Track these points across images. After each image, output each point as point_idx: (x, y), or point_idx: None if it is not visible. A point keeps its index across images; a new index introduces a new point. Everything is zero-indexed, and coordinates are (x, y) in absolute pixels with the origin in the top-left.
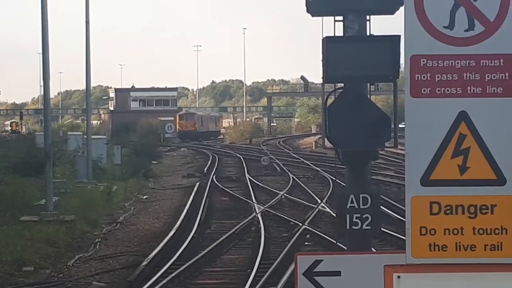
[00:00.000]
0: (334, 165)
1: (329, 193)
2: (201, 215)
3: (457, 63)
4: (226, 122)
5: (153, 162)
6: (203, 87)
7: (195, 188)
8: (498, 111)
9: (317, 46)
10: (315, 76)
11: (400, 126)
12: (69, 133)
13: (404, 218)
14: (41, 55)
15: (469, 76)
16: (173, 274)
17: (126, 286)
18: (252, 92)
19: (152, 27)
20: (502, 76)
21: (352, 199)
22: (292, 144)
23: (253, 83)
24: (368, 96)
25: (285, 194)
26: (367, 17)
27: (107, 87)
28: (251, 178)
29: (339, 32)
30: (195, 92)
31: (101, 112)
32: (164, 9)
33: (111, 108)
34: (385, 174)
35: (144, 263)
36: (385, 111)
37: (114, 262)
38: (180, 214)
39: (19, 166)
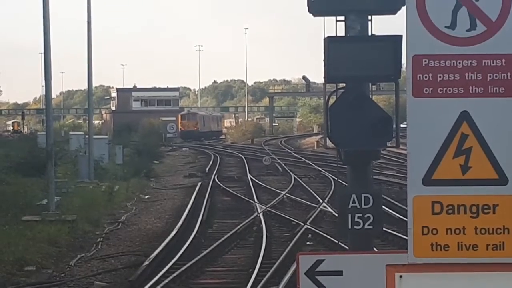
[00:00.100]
0: (336, 165)
1: (330, 193)
2: (202, 214)
3: (459, 63)
4: (228, 122)
5: (155, 162)
6: (205, 87)
7: (197, 188)
8: (500, 111)
9: (319, 46)
10: (317, 76)
11: (402, 126)
12: (71, 133)
13: (406, 217)
14: (42, 55)
15: (471, 76)
16: (174, 274)
17: (128, 286)
18: (254, 92)
19: (153, 28)
20: (504, 76)
21: (354, 199)
22: (294, 144)
23: (254, 83)
24: (370, 96)
25: (287, 194)
26: (369, 17)
27: (109, 87)
28: (253, 178)
29: (341, 32)
30: (196, 92)
31: (103, 112)
32: (164, 9)
33: (113, 108)
34: (387, 174)
35: (146, 263)
36: (387, 111)
37: (116, 261)
38: (182, 214)
39: (21, 166)
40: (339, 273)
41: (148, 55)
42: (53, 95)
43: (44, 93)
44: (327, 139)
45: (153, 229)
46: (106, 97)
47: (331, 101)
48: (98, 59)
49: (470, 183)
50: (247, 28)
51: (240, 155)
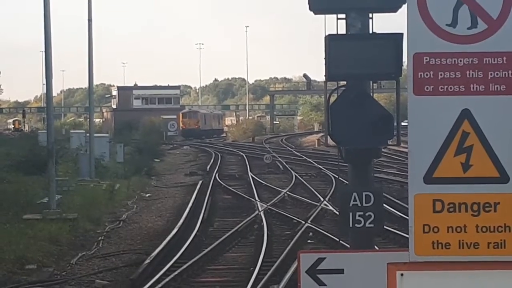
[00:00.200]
0: (336, 163)
1: (331, 191)
2: (203, 213)
3: (460, 61)
4: (229, 120)
5: (156, 160)
6: (206, 85)
7: (198, 186)
8: (501, 108)
9: (320, 44)
10: (318, 74)
11: (403, 124)
12: (71, 131)
13: (407, 216)
14: (43, 53)
15: (472, 74)
16: (176, 272)
17: (129, 284)
18: (255, 90)
19: (153, 27)
20: (505, 73)
21: (355, 197)
22: (295, 142)
23: (255, 81)
24: (371, 94)
25: (288, 192)
26: (370, 15)
27: (110, 85)
28: (253, 176)
29: (342, 30)
30: (197, 90)
31: (104, 110)
32: (165, 9)
33: (114, 106)
34: (388, 172)
35: (147, 261)
36: (388, 109)
37: (117, 260)
38: (183, 212)
39: (21, 164)
40: (340, 271)
41: (149, 55)
42: (54, 93)
43: (45, 91)
44: (328, 137)
45: (154, 228)
46: (107, 95)
47: (332, 99)
48: (99, 58)
49: (471, 181)
50: (247, 27)
51: (241, 153)
